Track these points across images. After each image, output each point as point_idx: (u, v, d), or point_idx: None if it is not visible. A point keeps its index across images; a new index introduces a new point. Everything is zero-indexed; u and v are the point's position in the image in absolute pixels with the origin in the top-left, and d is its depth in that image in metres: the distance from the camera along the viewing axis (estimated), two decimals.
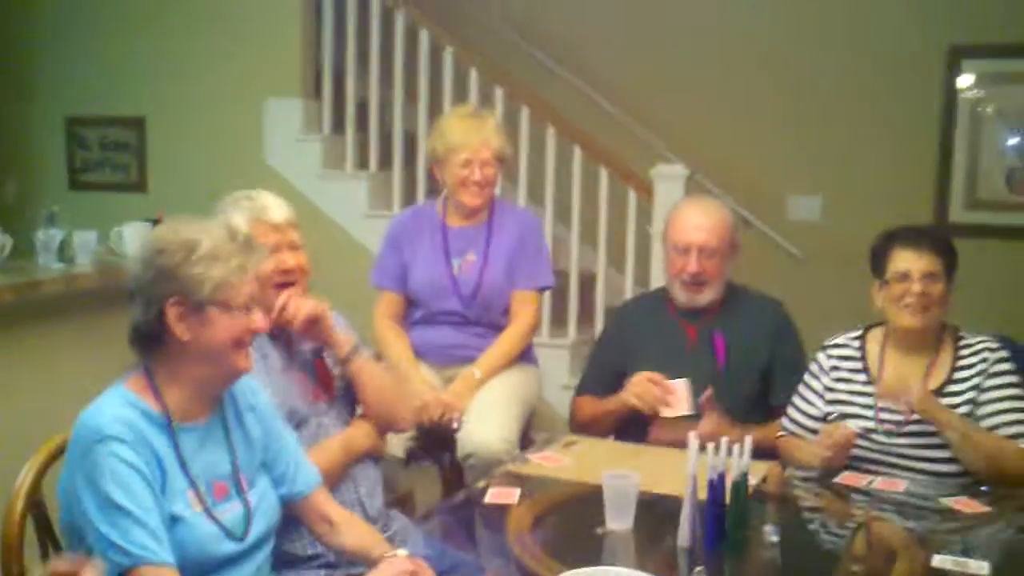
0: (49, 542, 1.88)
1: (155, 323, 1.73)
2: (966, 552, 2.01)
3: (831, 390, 2.62)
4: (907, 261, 2.51)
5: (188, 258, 1.73)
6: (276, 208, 2.27)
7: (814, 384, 2.66)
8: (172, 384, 1.77)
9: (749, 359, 2.81)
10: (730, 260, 2.87)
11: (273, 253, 2.22)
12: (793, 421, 2.67)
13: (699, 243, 2.80)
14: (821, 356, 2.68)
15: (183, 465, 1.74)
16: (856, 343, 2.66)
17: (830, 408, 2.60)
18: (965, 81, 4.82)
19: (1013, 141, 4.78)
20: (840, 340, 2.68)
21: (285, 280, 2.26)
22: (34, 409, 3.02)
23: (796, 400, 2.68)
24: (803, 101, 5.03)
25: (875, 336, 2.64)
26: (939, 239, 2.57)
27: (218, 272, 1.73)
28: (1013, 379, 2.49)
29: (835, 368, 2.64)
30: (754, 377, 2.81)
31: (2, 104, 5.61)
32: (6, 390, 3.16)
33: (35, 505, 1.88)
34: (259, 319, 1.80)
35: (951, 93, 4.84)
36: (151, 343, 1.76)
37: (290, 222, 2.29)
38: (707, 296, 2.83)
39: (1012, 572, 2.01)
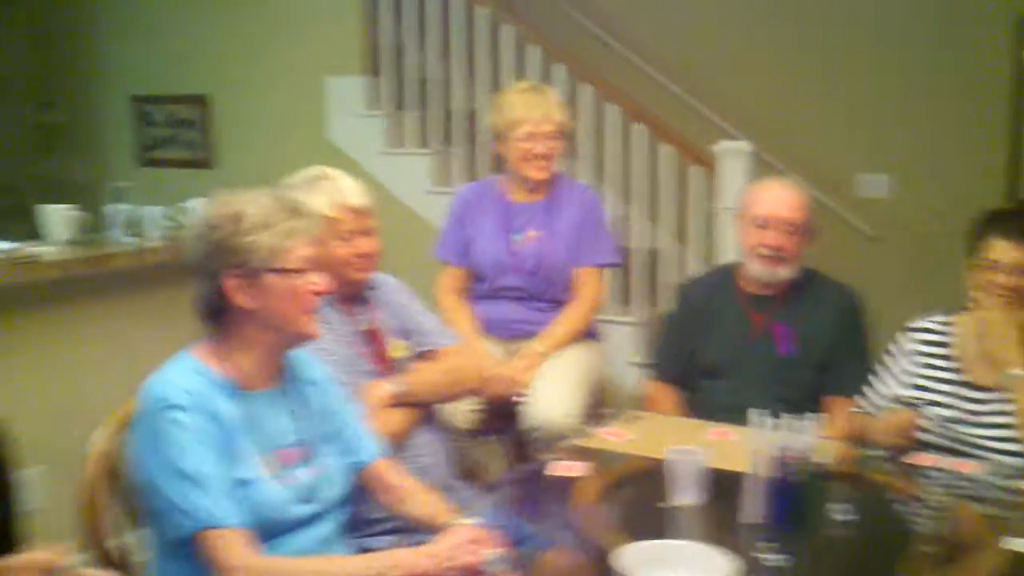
0: (127, 505, 1.92)
1: (216, 295, 1.77)
2: None
3: (911, 374, 2.56)
4: (998, 250, 2.41)
5: (238, 229, 1.75)
6: (356, 193, 2.30)
7: (892, 365, 2.61)
8: (239, 352, 1.80)
9: (813, 350, 2.76)
10: (807, 242, 2.81)
11: (351, 238, 2.26)
12: (869, 399, 2.64)
13: (783, 218, 2.75)
14: (903, 338, 2.62)
15: (251, 431, 1.77)
16: (943, 327, 2.58)
17: (906, 391, 2.55)
18: None
19: None
20: (926, 323, 2.61)
21: (362, 266, 2.31)
22: (107, 378, 3.09)
23: (873, 379, 2.64)
24: (868, 76, 4.94)
25: (964, 320, 2.54)
26: None
27: (268, 239, 1.75)
28: None
29: (918, 352, 2.58)
30: (815, 369, 2.76)
31: (72, 84, 5.72)
32: (80, 360, 3.24)
33: (110, 469, 1.91)
34: (319, 280, 1.81)
35: (1020, 65, 4.71)
36: (216, 314, 1.79)
37: (369, 207, 2.31)
38: (783, 272, 2.77)
39: None
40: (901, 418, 2.43)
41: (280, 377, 1.88)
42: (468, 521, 1.84)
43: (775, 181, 2.94)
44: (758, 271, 2.80)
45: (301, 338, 1.84)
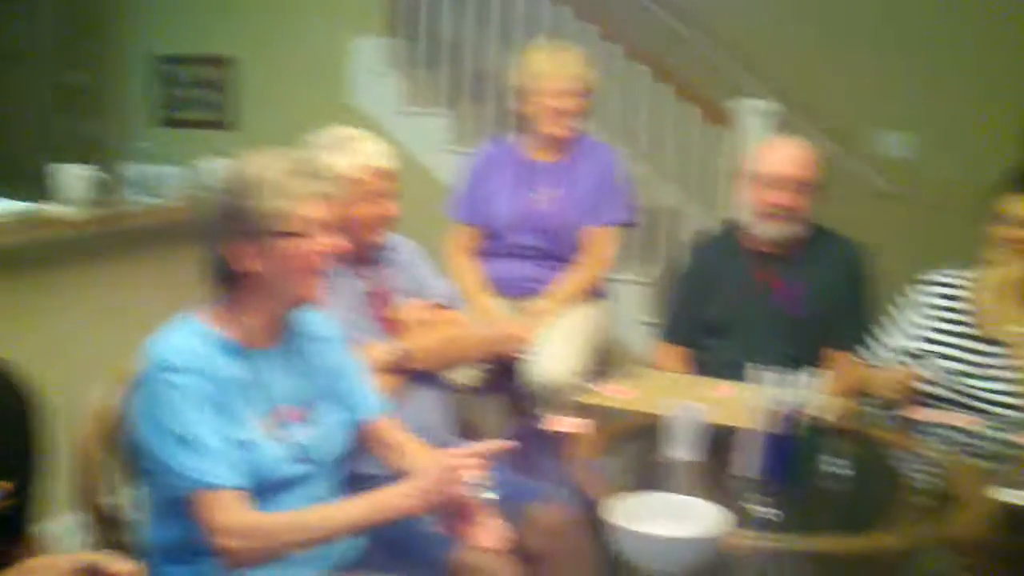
0: (123, 464, 1.95)
1: (224, 258, 1.77)
2: None
3: (921, 326, 2.57)
4: (1012, 205, 2.43)
5: (241, 191, 1.75)
6: (383, 155, 2.30)
7: (900, 317, 2.61)
8: (244, 313, 1.80)
9: (818, 306, 2.75)
10: (816, 199, 2.78)
11: (376, 199, 2.27)
12: (873, 351, 2.63)
13: (792, 176, 2.72)
14: (913, 290, 2.62)
15: (255, 389, 1.79)
16: (959, 281, 2.58)
17: (913, 344, 2.55)
18: None
19: None
20: (940, 277, 2.61)
21: (381, 228, 2.33)
22: (124, 340, 3.12)
23: (879, 331, 2.64)
24: (892, 35, 4.87)
25: (980, 276, 2.54)
26: None
27: (273, 201, 1.74)
28: None
29: (930, 305, 2.58)
30: (821, 325, 2.75)
31: (95, 43, 5.75)
32: (98, 319, 3.27)
33: (108, 427, 1.91)
34: (328, 241, 1.79)
35: None
36: (224, 276, 1.80)
37: (394, 170, 2.32)
38: (792, 229, 2.76)
39: None
40: (901, 373, 2.43)
41: (283, 335, 1.89)
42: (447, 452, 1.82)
43: (783, 139, 2.92)
44: (767, 230, 2.78)
45: (307, 300, 1.84)
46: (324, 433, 1.89)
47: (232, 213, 1.75)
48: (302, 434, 1.84)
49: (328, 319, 2.03)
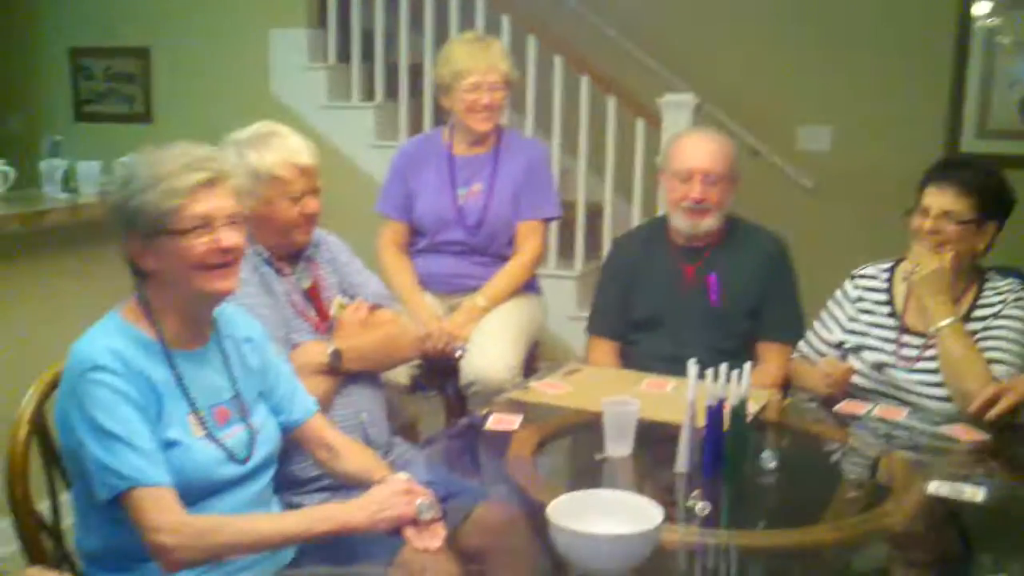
0: (55, 468, 1.90)
1: (128, 256, 1.75)
2: (963, 479, 2.01)
3: (853, 319, 2.61)
4: (931, 196, 2.46)
5: (128, 189, 1.72)
6: (305, 151, 2.27)
7: (836, 311, 2.66)
8: (164, 311, 1.77)
9: (742, 299, 2.79)
10: (731, 190, 2.83)
11: (300, 198, 2.24)
12: (809, 344, 2.68)
13: (703, 168, 2.75)
14: (848, 284, 2.67)
15: (182, 390, 1.75)
16: (884, 275, 2.63)
17: (847, 337, 2.60)
18: (981, 8, 4.72)
19: None
20: (869, 271, 2.66)
21: (307, 226, 2.29)
22: (40, 338, 3.04)
23: (816, 324, 2.69)
24: (814, 29, 4.95)
25: (903, 269, 2.58)
26: (974, 178, 2.45)
27: (156, 197, 1.70)
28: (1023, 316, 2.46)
29: (860, 299, 2.63)
30: (746, 316, 2.79)
31: (7, 36, 5.57)
32: (12, 319, 3.18)
33: (39, 431, 1.89)
34: (223, 236, 1.74)
35: (966, 20, 4.74)
36: (136, 274, 1.77)
37: (317, 166, 2.29)
38: (708, 223, 2.79)
39: (1007, 499, 2.02)
40: (831, 366, 2.48)
41: (208, 335, 1.86)
42: (402, 475, 1.85)
43: (696, 131, 2.96)
44: (683, 224, 2.81)
45: (209, 296, 1.79)
46: (259, 432, 1.86)
47: (125, 211, 1.72)
48: (236, 433, 1.81)
49: (253, 320, 1.99)
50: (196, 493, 1.72)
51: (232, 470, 1.79)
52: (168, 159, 1.74)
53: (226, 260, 1.76)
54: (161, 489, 1.64)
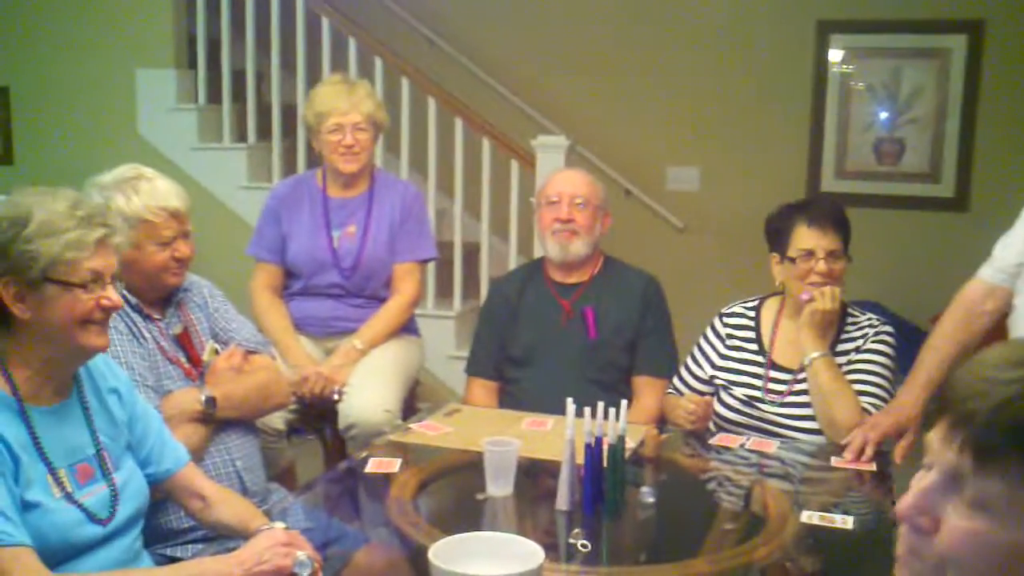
0: None
1: None
2: (832, 508, 2.09)
3: (723, 356, 2.68)
4: (812, 239, 2.50)
5: (19, 234, 1.64)
6: (174, 195, 2.23)
7: (706, 348, 2.72)
8: (21, 364, 1.69)
9: (618, 332, 2.86)
10: (600, 220, 2.91)
11: (170, 243, 2.21)
12: (682, 380, 2.74)
13: (570, 193, 2.86)
14: (717, 322, 2.73)
15: (39, 449, 1.67)
16: (751, 312, 2.70)
17: (717, 373, 2.66)
18: (835, 55, 4.96)
19: (880, 113, 4.95)
20: (736, 308, 2.73)
21: (178, 270, 2.26)
22: None
23: (688, 361, 2.75)
24: (680, 74, 5.10)
25: (770, 306, 2.68)
26: (839, 215, 2.56)
27: (53, 247, 1.64)
28: (885, 350, 2.54)
29: (730, 336, 2.69)
30: (623, 349, 2.86)
31: None
32: None
33: None
34: (109, 294, 1.70)
35: (822, 67, 4.97)
36: None
37: (187, 210, 2.25)
38: (577, 245, 2.85)
39: (875, 526, 2.10)
40: (698, 402, 2.54)
41: (73, 387, 1.78)
42: (279, 525, 1.81)
43: (565, 167, 3.04)
44: (554, 249, 2.88)
45: (85, 352, 1.73)
46: (116, 492, 1.78)
47: (6, 253, 1.64)
48: (92, 495, 1.73)
49: (120, 370, 1.93)
50: (57, 555, 1.64)
51: (92, 531, 1.71)
52: (62, 208, 1.67)
53: (106, 317, 1.72)
54: (22, 549, 1.56)
